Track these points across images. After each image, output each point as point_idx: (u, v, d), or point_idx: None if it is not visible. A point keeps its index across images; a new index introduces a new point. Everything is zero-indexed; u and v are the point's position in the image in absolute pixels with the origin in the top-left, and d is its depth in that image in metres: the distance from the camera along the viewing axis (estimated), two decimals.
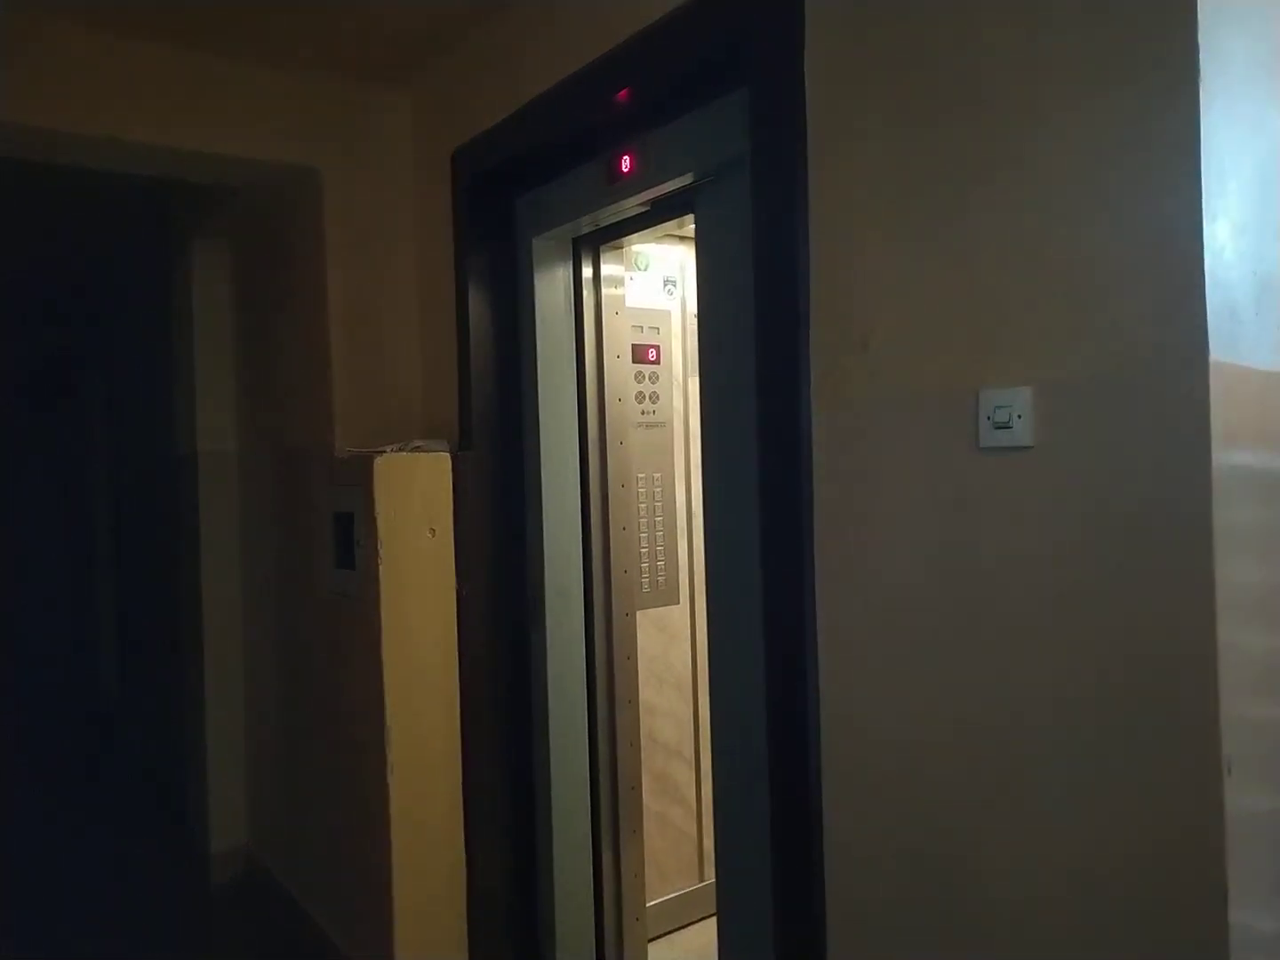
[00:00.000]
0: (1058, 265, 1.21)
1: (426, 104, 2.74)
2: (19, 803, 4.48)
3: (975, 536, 1.31)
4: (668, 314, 3.09)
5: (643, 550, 3.00)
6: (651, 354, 3.03)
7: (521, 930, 2.56)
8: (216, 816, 3.56)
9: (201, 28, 2.40)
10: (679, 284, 3.11)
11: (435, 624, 2.46)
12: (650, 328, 3.03)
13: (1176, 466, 1.10)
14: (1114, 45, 1.15)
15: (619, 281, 2.57)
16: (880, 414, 1.44)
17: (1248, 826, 1.11)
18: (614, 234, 2.40)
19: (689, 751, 3.11)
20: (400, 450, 2.46)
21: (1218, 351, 1.08)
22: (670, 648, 3.09)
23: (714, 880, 2.05)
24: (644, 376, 3.02)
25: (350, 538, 2.49)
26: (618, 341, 2.56)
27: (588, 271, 2.52)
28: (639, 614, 2.73)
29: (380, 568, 2.37)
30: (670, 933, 2.98)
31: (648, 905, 2.71)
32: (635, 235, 2.39)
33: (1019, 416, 1.24)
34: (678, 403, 3.11)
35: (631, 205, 2.18)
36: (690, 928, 2.99)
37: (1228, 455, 1.10)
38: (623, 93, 1.97)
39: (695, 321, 2.53)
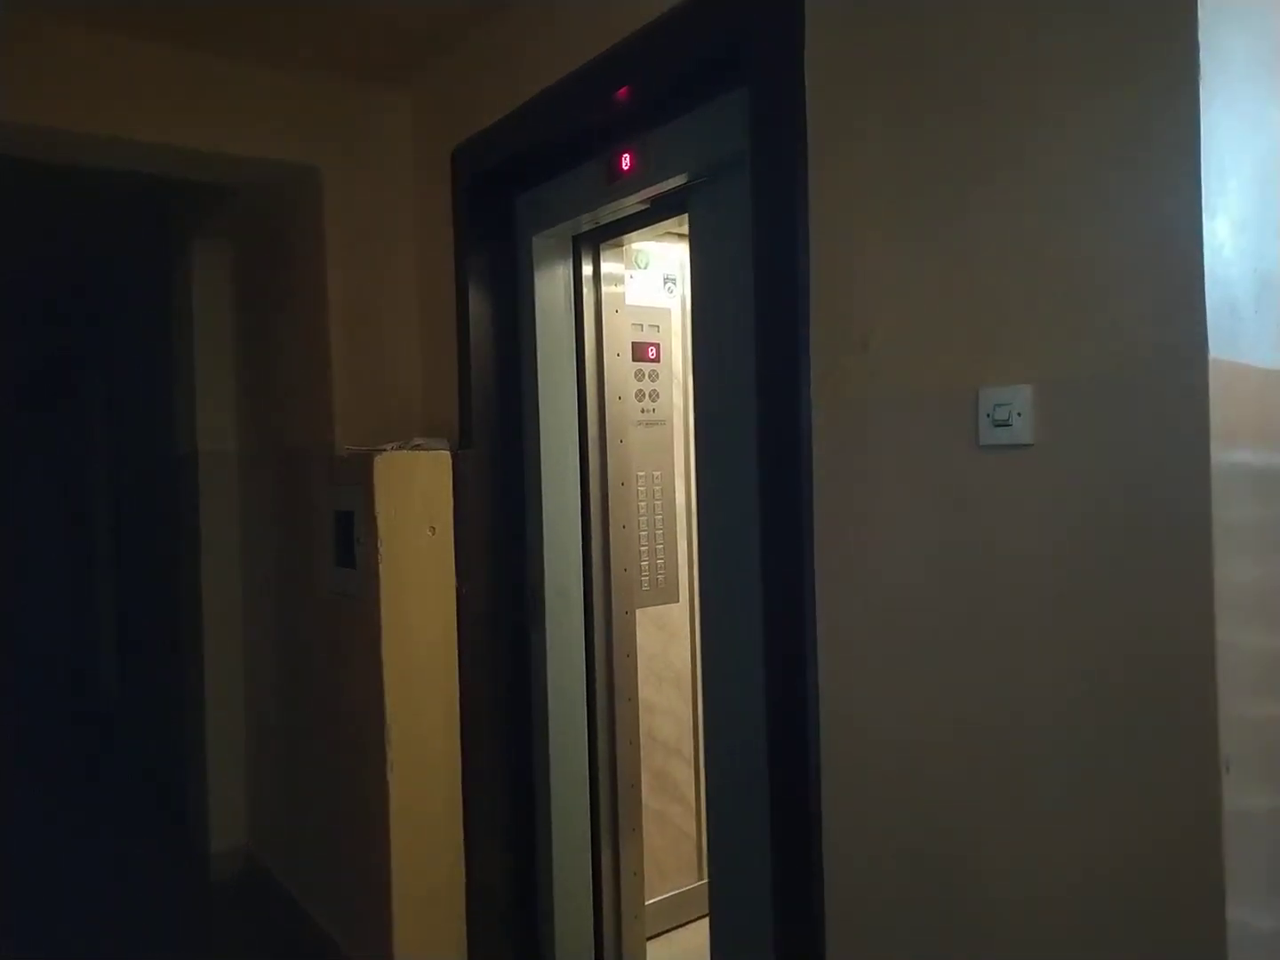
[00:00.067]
0: (1057, 263, 1.21)
1: (426, 103, 2.74)
2: (19, 802, 4.48)
3: (975, 535, 1.31)
4: (668, 312, 3.09)
5: (642, 548, 3.00)
6: (651, 352, 3.04)
7: (521, 928, 2.56)
8: (216, 816, 3.56)
9: (202, 27, 2.40)
10: (679, 282, 3.11)
11: (435, 622, 2.46)
12: (650, 326, 3.03)
13: (1176, 464, 1.10)
14: (1114, 43, 1.15)
15: (619, 279, 2.57)
16: (880, 412, 1.44)
17: (1246, 825, 1.12)
18: (614, 232, 2.41)
19: (688, 750, 3.11)
20: (400, 449, 2.46)
21: (1217, 349, 1.08)
22: (670, 646, 3.09)
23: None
24: (644, 374, 3.02)
25: (350, 536, 2.49)
26: (618, 339, 2.57)
27: (588, 269, 2.53)
28: (638, 612, 2.74)
29: (380, 566, 2.37)
30: (669, 931, 2.98)
31: (647, 903, 2.71)
32: (635, 233, 2.39)
33: (1019, 414, 1.24)
34: (677, 401, 3.11)
35: (631, 203, 2.19)
36: (689, 926, 2.99)
37: (1227, 453, 1.10)
38: (622, 91, 1.97)
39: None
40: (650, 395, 3.04)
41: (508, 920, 2.54)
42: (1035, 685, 1.25)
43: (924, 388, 1.37)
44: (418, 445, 2.50)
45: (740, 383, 1.81)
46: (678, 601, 3.10)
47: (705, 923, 2.14)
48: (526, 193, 2.49)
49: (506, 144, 2.35)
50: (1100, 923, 1.18)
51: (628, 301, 2.64)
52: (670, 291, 3.10)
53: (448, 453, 2.51)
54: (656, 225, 2.29)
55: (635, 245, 2.85)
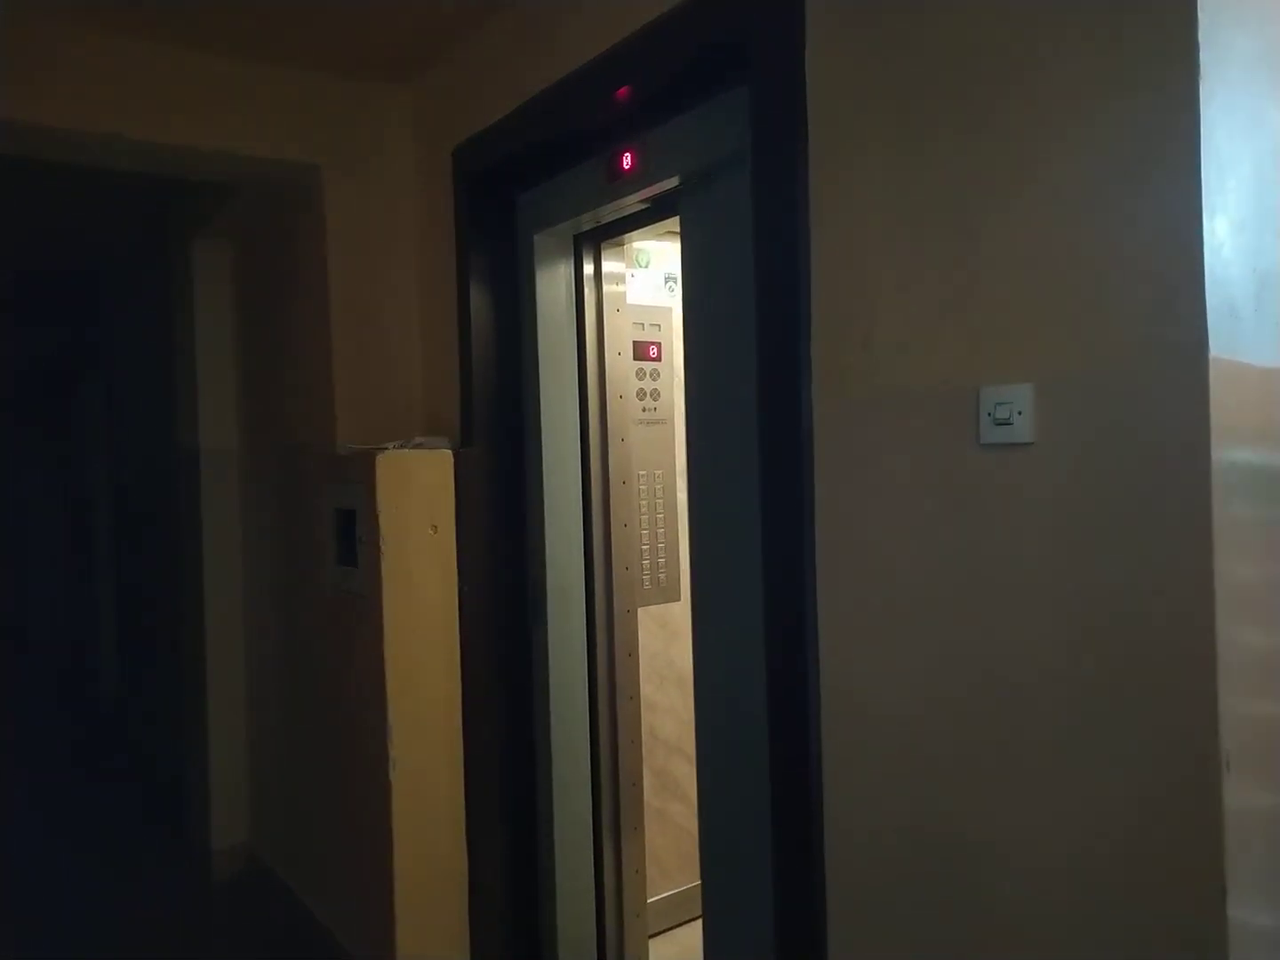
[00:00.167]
0: (1058, 262, 1.21)
1: (428, 101, 2.74)
2: (20, 801, 4.49)
3: (976, 533, 1.32)
4: (669, 311, 3.09)
5: (644, 547, 3.00)
6: (653, 351, 3.04)
7: (522, 925, 2.57)
8: (218, 814, 3.57)
9: (202, 26, 2.40)
10: (680, 281, 3.11)
11: (437, 621, 2.47)
12: (651, 324, 3.03)
13: (1176, 463, 1.10)
14: (1114, 42, 1.15)
15: (620, 278, 2.57)
16: (881, 411, 1.44)
17: (1247, 823, 1.12)
18: (615, 231, 2.41)
19: (690, 748, 3.10)
20: (402, 447, 2.47)
21: (1217, 348, 1.08)
22: (671, 644, 3.10)
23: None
24: (645, 373, 3.02)
25: (352, 535, 2.50)
26: (619, 338, 2.57)
27: (589, 268, 2.53)
28: (640, 611, 2.74)
29: (382, 564, 2.37)
30: (671, 929, 2.99)
31: (649, 901, 2.72)
32: (636, 232, 2.39)
33: (1020, 413, 1.25)
34: (679, 400, 3.10)
35: (632, 202, 2.19)
36: (691, 924, 2.99)
37: (1227, 452, 1.10)
38: (623, 91, 1.97)
39: None
40: (651, 394, 3.04)
41: (509, 918, 2.55)
42: (1035, 681, 1.25)
43: (925, 386, 1.37)
44: (419, 444, 2.50)
45: (733, 378, 1.81)
46: (679, 600, 3.10)
47: None
48: (527, 192, 2.49)
49: (507, 143, 2.35)
50: (1101, 915, 1.19)
51: (629, 300, 2.64)
52: (671, 290, 3.11)
53: (449, 451, 2.51)
54: (657, 224, 2.29)
55: (636, 244, 2.85)
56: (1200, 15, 1.07)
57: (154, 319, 4.21)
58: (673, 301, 3.11)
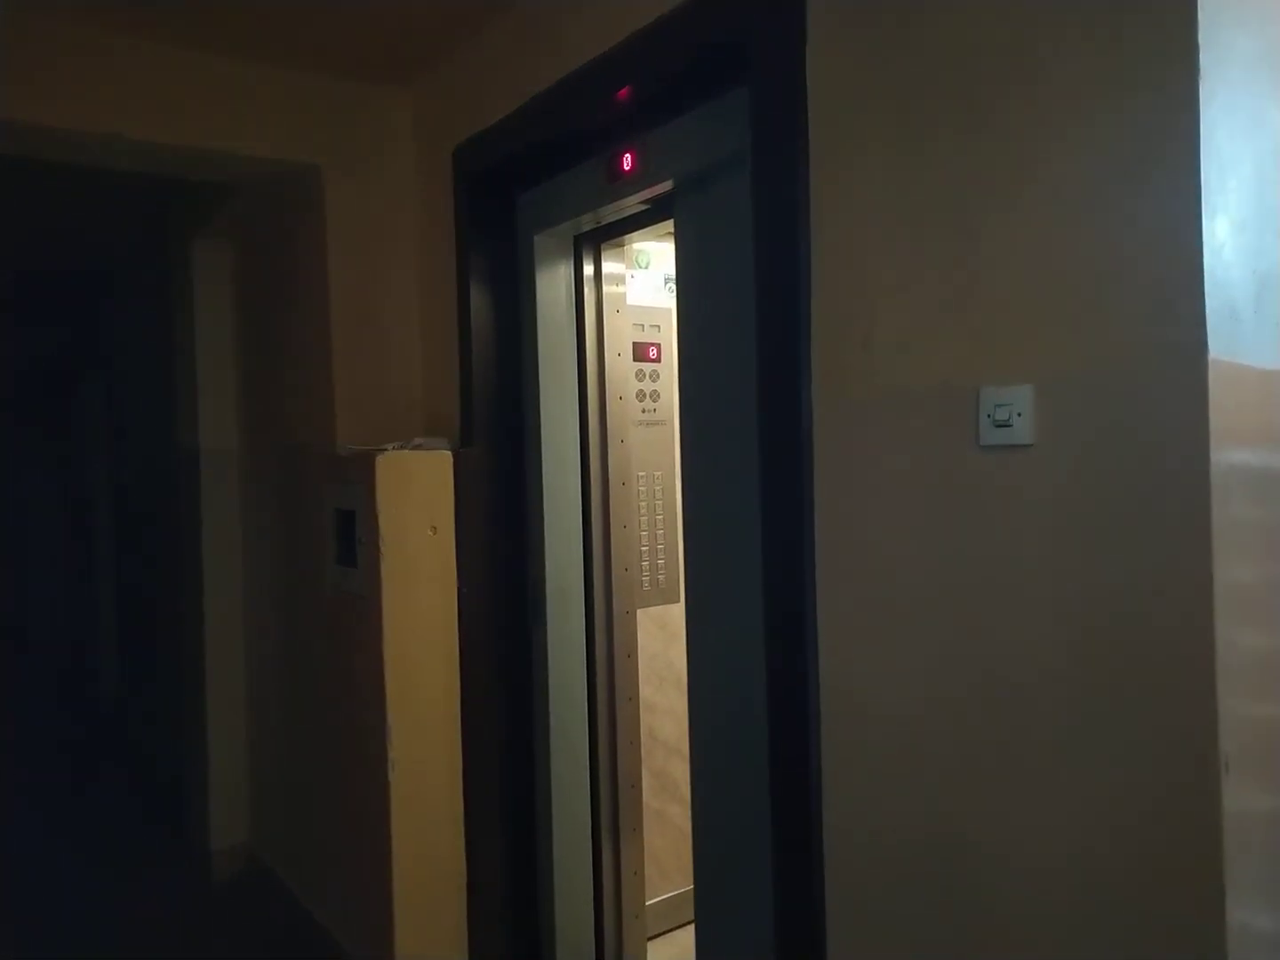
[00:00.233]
0: (1058, 263, 1.21)
1: (428, 102, 2.74)
2: (20, 801, 4.48)
3: (975, 534, 1.31)
4: (669, 312, 3.09)
5: (643, 548, 3.00)
6: (652, 352, 3.04)
7: (521, 927, 2.57)
8: (217, 814, 3.56)
9: (203, 26, 2.40)
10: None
11: (436, 621, 2.47)
12: (651, 325, 3.03)
13: (1176, 464, 1.10)
14: (1114, 42, 1.15)
15: (620, 279, 2.57)
16: (881, 411, 1.44)
17: (1246, 825, 1.12)
18: (615, 232, 2.41)
19: (688, 750, 3.11)
20: (402, 448, 2.46)
21: (1217, 350, 1.08)
22: (670, 646, 3.10)
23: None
24: (645, 374, 3.02)
25: (352, 535, 2.50)
26: (619, 339, 2.57)
27: (589, 269, 2.53)
28: (639, 612, 2.74)
29: (382, 565, 2.37)
30: (670, 931, 2.99)
31: (647, 903, 2.72)
32: (636, 233, 2.39)
33: (1019, 415, 1.25)
34: (679, 401, 3.11)
35: (632, 203, 2.19)
36: (690, 926, 2.98)
37: (1227, 453, 1.10)
38: (623, 91, 1.98)
39: None
40: (651, 395, 3.04)
41: (508, 919, 2.54)
42: (1034, 682, 1.25)
43: (925, 386, 1.37)
44: (419, 444, 2.50)
45: (731, 377, 1.82)
46: (678, 602, 3.10)
47: None
48: (528, 192, 2.49)
49: (508, 143, 2.36)
50: (1101, 897, 1.19)
51: (629, 301, 2.64)
52: (671, 292, 3.10)
53: (449, 452, 2.51)
54: (657, 225, 2.29)
55: (636, 245, 2.85)
56: (1200, 15, 1.07)
57: (154, 319, 4.21)
58: (673, 303, 3.10)
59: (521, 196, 2.52)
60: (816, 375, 1.53)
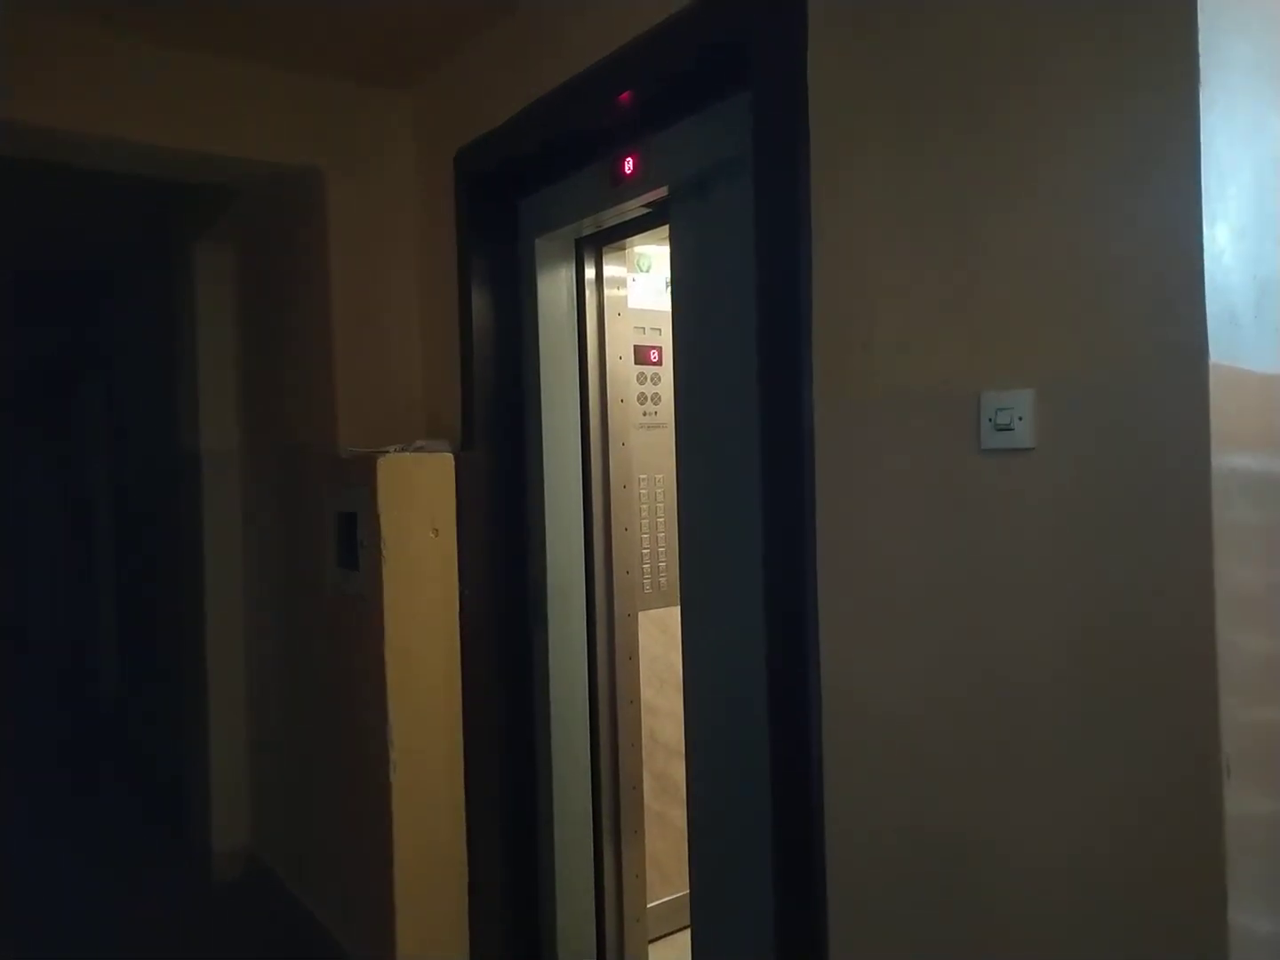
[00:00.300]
0: (1059, 267, 1.22)
1: (429, 105, 2.74)
2: (20, 802, 4.48)
3: (976, 537, 1.32)
4: (670, 315, 3.09)
5: (644, 551, 3.00)
6: (653, 355, 3.04)
7: (523, 929, 2.57)
8: (218, 815, 3.56)
9: (204, 28, 2.40)
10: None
11: (438, 624, 2.47)
12: (652, 329, 3.03)
13: (1177, 469, 1.11)
14: (1115, 48, 1.16)
15: (621, 283, 2.57)
16: (882, 414, 1.44)
17: (1247, 828, 1.12)
18: (616, 235, 2.41)
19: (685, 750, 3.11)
20: (403, 450, 2.47)
21: (1217, 355, 1.08)
22: (671, 648, 3.09)
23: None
24: (646, 378, 3.03)
25: (353, 537, 2.50)
26: (620, 342, 2.57)
27: (590, 272, 2.53)
28: (641, 615, 2.74)
29: (383, 568, 2.37)
30: (671, 934, 2.98)
31: (649, 906, 2.71)
32: (638, 237, 2.40)
33: (1020, 418, 1.25)
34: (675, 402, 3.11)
35: (634, 207, 2.19)
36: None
37: (1227, 458, 1.10)
38: (625, 95, 1.98)
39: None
40: (652, 398, 3.05)
41: (509, 921, 2.55)
42: (1035, 686, 1.25)
43: (926, 387, 1.38)
44: (420, 447, 2.50)
45: (730, 378, 1.82)
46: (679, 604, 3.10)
47: None
48: (529, 196, 2.49)
49: (509, 147, 2.36)
50: (1101, 898, 1.19)
51: (630, 304, 2.64)
52: None
53: (450, 455, 2.52)
54: (659, 229, 2.29)
55: (637, 249, 2.86)
56: (1200, 20, 1.08)
57: (155, 319, 4.21)
58: None
59: (523, 200, 2.52)
60: (817, 376, 1.54)
